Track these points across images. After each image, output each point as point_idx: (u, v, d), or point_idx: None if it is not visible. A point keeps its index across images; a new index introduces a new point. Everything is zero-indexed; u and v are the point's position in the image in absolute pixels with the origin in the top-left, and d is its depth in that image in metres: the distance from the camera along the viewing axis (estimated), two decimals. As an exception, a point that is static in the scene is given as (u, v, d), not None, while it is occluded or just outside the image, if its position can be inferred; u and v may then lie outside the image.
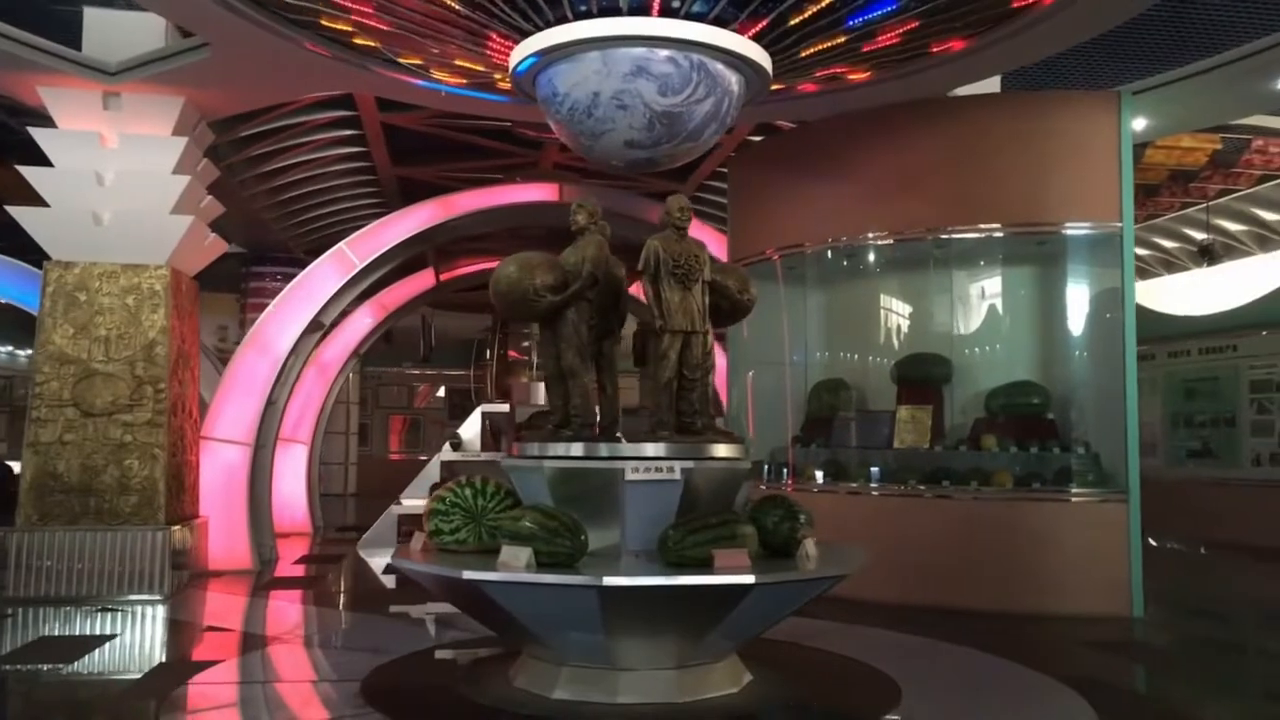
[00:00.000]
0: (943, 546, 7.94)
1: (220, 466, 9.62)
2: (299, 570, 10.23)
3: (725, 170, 12.48)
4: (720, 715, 4.87)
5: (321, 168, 12.39)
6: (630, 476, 5.02)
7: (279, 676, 5.60)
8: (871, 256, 9.20)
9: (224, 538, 9.51)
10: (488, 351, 19.96)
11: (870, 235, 8.90)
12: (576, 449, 5.23)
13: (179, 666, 5.88)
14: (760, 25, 5.44)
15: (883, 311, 9.42)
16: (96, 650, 6.25)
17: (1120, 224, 7.95)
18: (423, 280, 14.25)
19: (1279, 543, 11.74)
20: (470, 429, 12.23)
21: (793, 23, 5.42)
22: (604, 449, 5.20)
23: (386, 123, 10.72)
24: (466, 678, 5.58)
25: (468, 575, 4.70)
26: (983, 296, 8.93)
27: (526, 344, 19.72)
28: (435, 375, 25.50)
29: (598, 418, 5.50)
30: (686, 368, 5.40)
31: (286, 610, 8.16)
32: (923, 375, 8.83)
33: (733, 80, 5.65)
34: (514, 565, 4.75)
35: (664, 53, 5.34)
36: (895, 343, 9.31)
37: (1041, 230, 8.24)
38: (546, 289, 5.29)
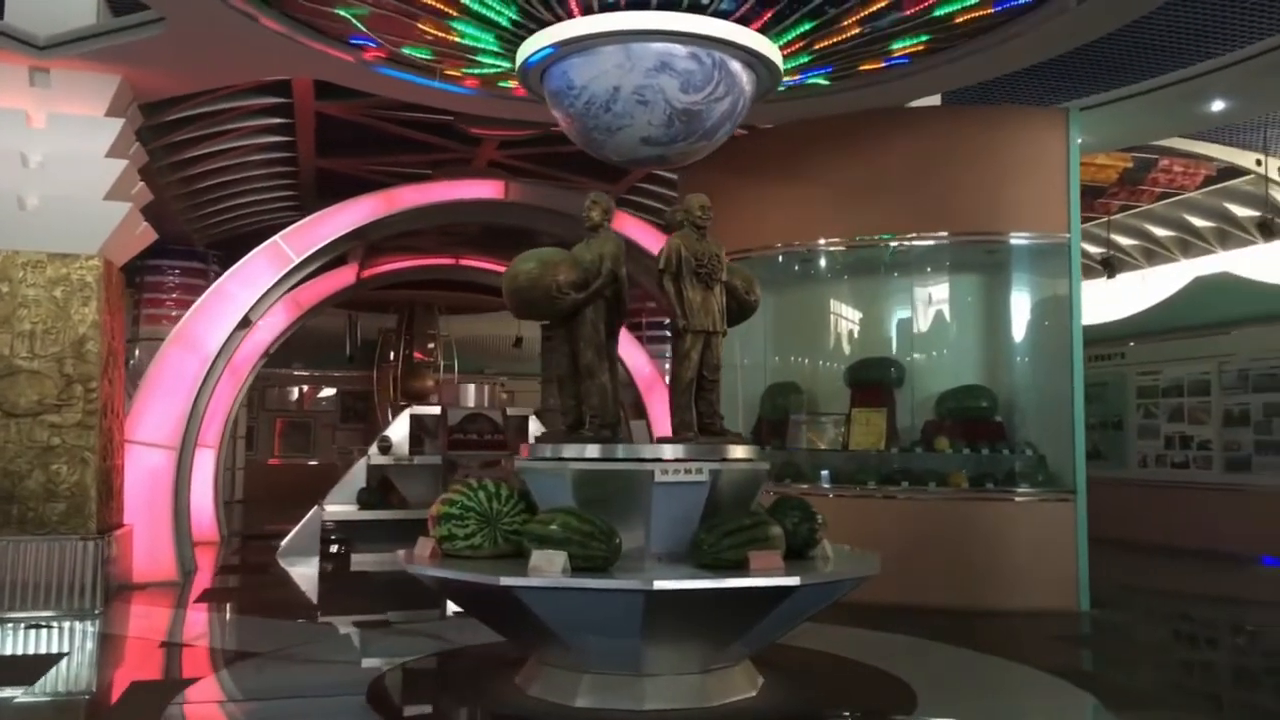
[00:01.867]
0: (903, 546, 8.09)
1: (144, 472, 9.01)
2: (226, 581, 9.70)
3: (661, 173, 12.53)
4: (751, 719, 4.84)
5: (239, 156, 11.78)
6: (660, 479, 4.93)
7: (276, 692, 5.26)
8: (824, 262, 9.35)
9: (148, 547, 8.91)
10: (391, 353, 19.35)
11: (823, 241, 9.03)
12: (603, 451, 5.11)
13: (156, 686, 5.46)
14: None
15: (835, 316, 9.58)
16: (53, 670, 5.74)
17: (1068, 235, 8.31)
18: (342, 277, 13.72)
19: (1163, 539, 12.41)
20: (399, 431, 11.87)
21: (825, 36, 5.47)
22: (634, 450, 5.10)
23: (320, 111, 10.28)
24: (472, 688, 5.38)
25: (505, 582, 4.52)
26: (933, 302, 9.19)
27: (432, 345, 19.28)
28: (324, 376, 24.60)
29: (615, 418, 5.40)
30: (706, 368, 5.36)
31: (238, 623, 7.70)
32: (875, 379, 9.02)
33: (746, 80, 5.64)
34: (548, 570, 4.60)
35: (687, 49, 5.29)
36: (847, 347, 9.48)
37: (992, 239, 8.54)
38: (570, 286, 5.16)
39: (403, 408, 19.12)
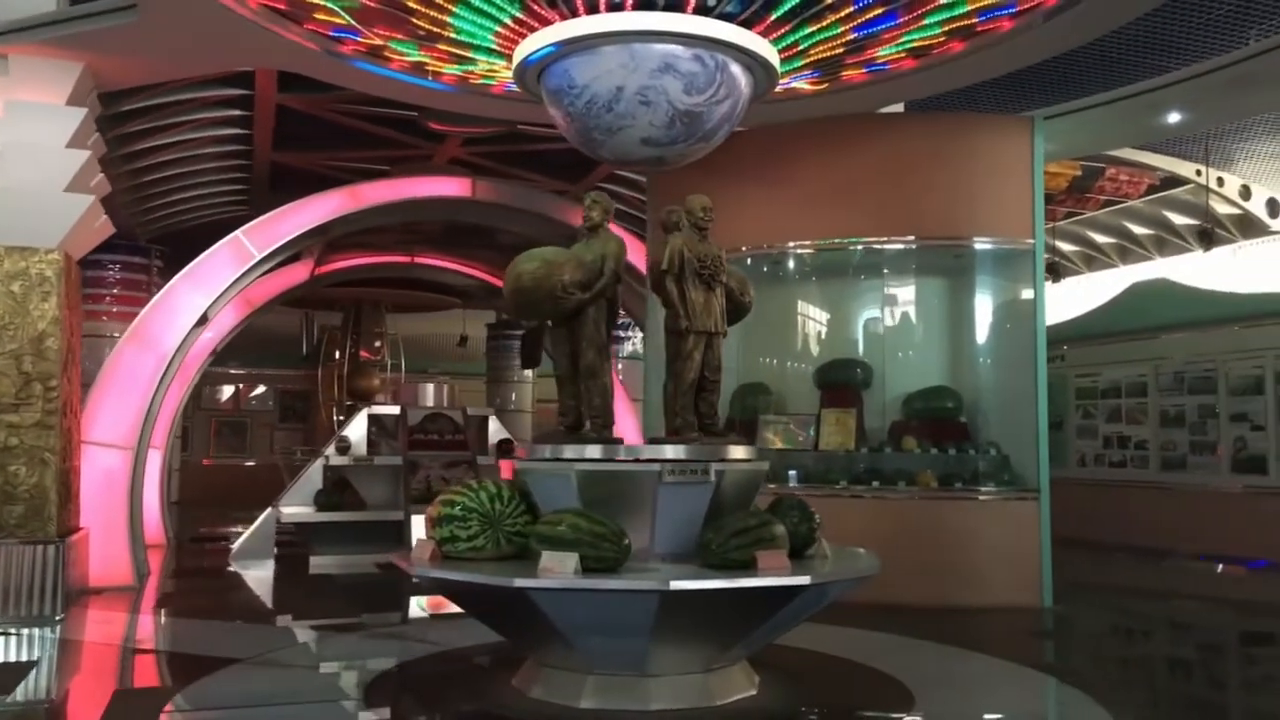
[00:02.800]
0: (873, 545, 8.19)
1: (99, 473, 8.72)
2: (182, 585, 9.44)
3: (623, 173, 12.54)
4: (760, 717, 4.87)
5: (192, 149, 11.46)
6: (667, 479, 4.94)
7: (271, 697, 5.13)
8: (793, 264, 9.44)
9: (103, 551, 8.62)
10: (336, 351, 18.98)
11: (792, 243, 9.13)
12: (609, 451, 5.10)
13: (140, 694, 5.30)
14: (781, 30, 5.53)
15: (804, 318, 9.69)
16: (29, 678, 5.52)
17: (1033, 240, 8.52)
18: (294, 274, 13.44)
19: (1103, 537, 12.79)
20: (356, 431, 11.68)
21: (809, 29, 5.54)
22: (640, 451, 5.10)
23: (282, 104, 10.07)
24: (470, 691, 5.33)
25: (520, 584, 4.49)
26: (901, 305, 9.34)
27: (379, 344, 18.98)
28: (262, 375, 24.03)
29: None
30: (708, 369, 5.39)
31: (206, 628, 7.48)
32: (843, 380, 9.14)
33: (745, 83, 5.68)
34: (560, 572, 4.58)
35: (691, 51, 5.31)
36: (816, 348, 9.59)
37: (959, 244, 8.72)
38: (576, 286, 5.13)
39: (349, 407, 18.93)
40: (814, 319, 9.70)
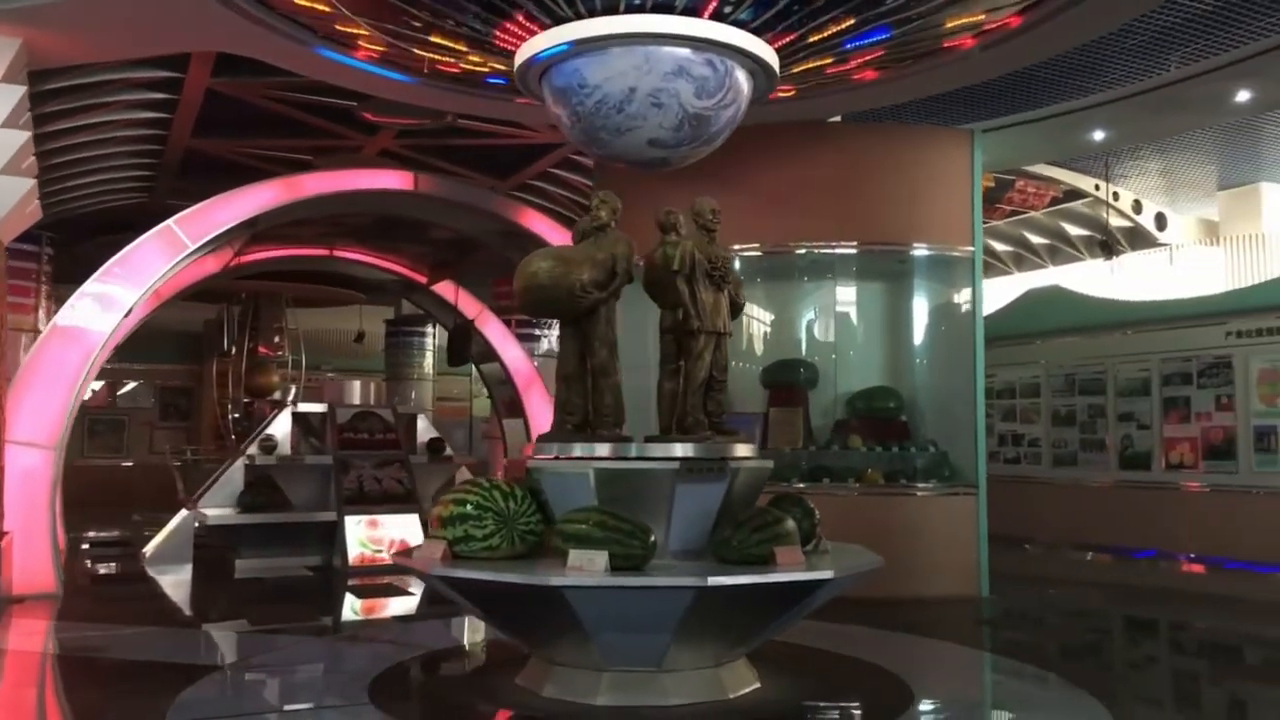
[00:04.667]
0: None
1: (19, 473, 8.18)
2: (108, 591, 8.97)
3: (555, 171, 12.51)
4: (772, 709, 5.00)
5: (104, 132, 10.84)
6: (686, 477, 5.01)
7: (278, 703, 4.96)
8: (740, 266, 9.60)
9: (26, 557, 8.11)
10: (233, 347, 18.21)
11: (738, 246, 9.28)
12: (624, 449, 5.14)
13: (124, 704, 5.03)
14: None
15: (750, 319, 9.88)
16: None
17: (972, 247, 8.94)
18: (203, 266, 12.83)
19: (1000, 530, 13.43)
20: (280, 429, 11.28)
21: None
22: (657, 449, 5.15)
23: (213, 89, 9.64)
24: (477, 692, 5.27)
25: (555, 581, 4.49)
26: (845, 307, 9.64)
27: (278, 339, 18.31)
28: (141, 370, 22.83)
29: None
30: (716, 368, 5.48)
31: (165, 636, 7.12)
32: (789, 379, 9.39)
33: (747, 89, 5.80)
34: (590, 570, 4.60)
35: (703, 55, 5.38)
36: (761, 349, 9.81)
37: (902, 249, 9.06)
38: (593, 285, 5.14)
39: (246, 405, 18.23)
40: (760, 320, 9.91)
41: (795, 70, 6.34)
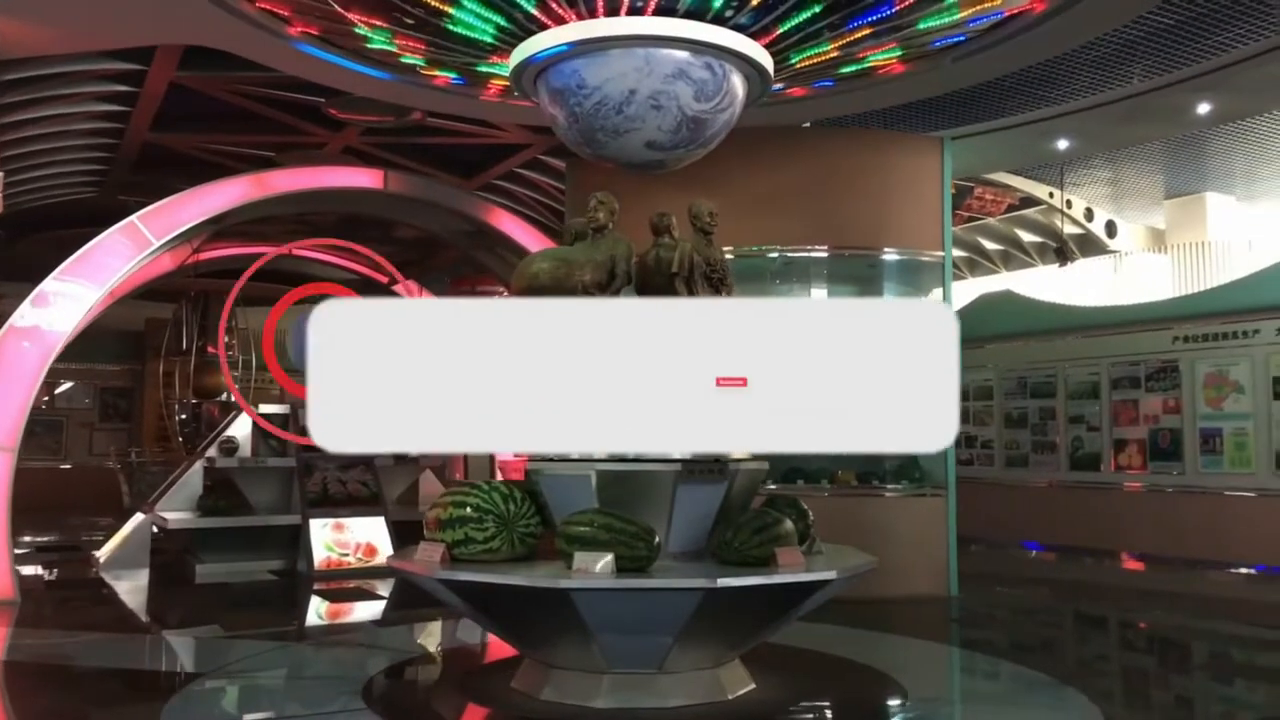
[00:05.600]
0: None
1: (-25, 476, 7.92)
2: (67, 597, 8.69)
3: (520, 170, 12.47)
4: (774, 709, 5.03)
5: (59, 125, 10.55)
6: (689, 478, 5.02)
7: (272, 708, 4.85)
8: (712, 268, 9.66)
9: (-19, 563, 7.85)
10: (189, 346, 17.71)
11: (712, 248, 9.34)
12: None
13: (98, 714, 4.88)
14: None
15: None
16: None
17: (943, 252, 9.08)
18: (158, 264, 12.49)
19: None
20: (241, 431, 11.05)
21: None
22: (657, 451, 5.14)
23: (176, 81, 9.43)
24: (474, 696, 5.22)
25: (564, 584, 4.47)
26: (816, 311, 9.72)
27: (230, 339, 17.84)
28: (85, 370, 22.16)
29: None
30: (714, 370, 5.48)
31: (141, 643, 6.93)
32: (761, 382, 9.42)
33: (742, 93, 5.83)
34: (595, 572, 4.59)
35: (703, 59, 5.40)
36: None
37: (873, 254, 9.17)
38: (595, 286, 5.13)
39: (194, 406, 17.76)
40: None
41: (788, 76, 6.38)
